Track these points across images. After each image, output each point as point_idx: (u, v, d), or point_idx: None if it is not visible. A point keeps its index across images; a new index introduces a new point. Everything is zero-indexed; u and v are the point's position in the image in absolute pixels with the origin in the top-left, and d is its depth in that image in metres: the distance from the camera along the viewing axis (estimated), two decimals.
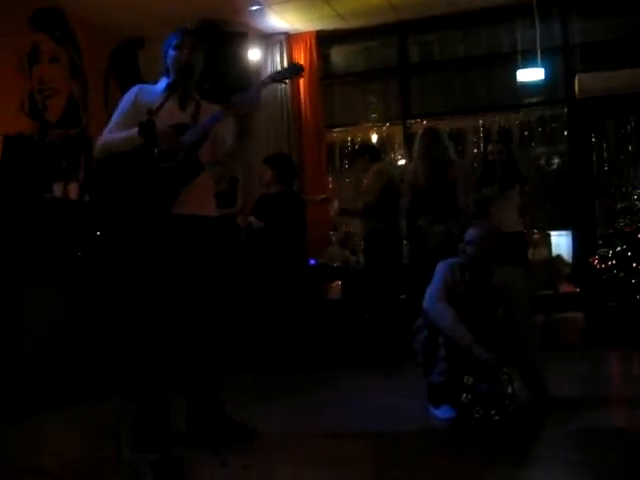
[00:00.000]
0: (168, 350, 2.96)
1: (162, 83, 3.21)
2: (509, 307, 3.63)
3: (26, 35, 6.02)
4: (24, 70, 5.96)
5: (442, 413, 3.56)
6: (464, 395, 3.33)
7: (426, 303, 3.63)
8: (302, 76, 3.40)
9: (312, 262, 6.19)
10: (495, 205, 5.57)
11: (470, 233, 3.69)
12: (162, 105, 3.02)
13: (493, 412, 3.28)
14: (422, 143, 5.47)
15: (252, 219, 5.58)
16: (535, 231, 6.94)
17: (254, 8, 6.58)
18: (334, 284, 6.76)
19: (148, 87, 3.26)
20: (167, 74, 3.21)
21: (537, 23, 6.77)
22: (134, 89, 3.21)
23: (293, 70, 3.22)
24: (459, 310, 3.50)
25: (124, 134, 3.00)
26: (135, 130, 2.81)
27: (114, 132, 3.09)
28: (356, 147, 7.52)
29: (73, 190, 5.13)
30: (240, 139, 3.18)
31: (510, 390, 3.32)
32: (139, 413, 3.06)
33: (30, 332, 4.13)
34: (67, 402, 4.12)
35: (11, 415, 3.76)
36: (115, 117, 3.16)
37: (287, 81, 3.32)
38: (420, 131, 5.79)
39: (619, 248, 6.10)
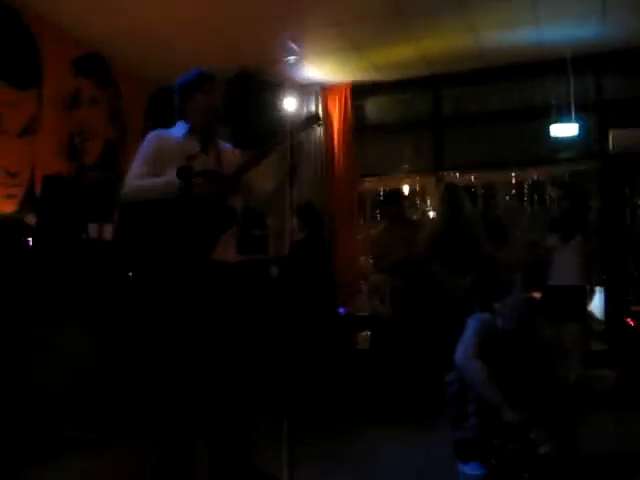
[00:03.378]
0: (195, 397, 2.94)
1: (181, 127, 3.16)
2: (557, 364, 3.58)
3: (69, 79, 6.18)
4: (65, 113, 6.10)
5: (470, 469, 3.49)
6: (492, 460, 3.26)
7: (457, 358, 3.59)
8: (319, 125, 3.39)
9: (341, 311, 6.16)
10: (557, 256, 5.23)
11: (506, 299, 3.66)
12: (191, 152, 3.01)
13: (525, 474, 3.21)
14: (442, 198, 5.59)
15: (274, 269, 5.62)
16: None
17: (290, 59, 6.70)
18: (363, 333, 6.71)
19: (166, 132, 3.19)
20: (183, 117, 3.17)
21: (571, 78, 6.82)
22: (153, 135, 3.15)
23: (312, 120, 3.23)
24: (490, 366, 3.46)
25: (159, 180, 2.96)
26: (172, 177, 2.83)
27: (143, 178, 3.01)
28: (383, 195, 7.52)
29: (108, 231, 5.21)
30: (279, 190, 3.16)
31: (542, 450, 3.25)
32: (162, 460, 3.01)
33: (60, 372, 4.14)
34: (92, 445, 4.11)
35: (36, 456, 3.76)
36: (138, 163, 3.07)
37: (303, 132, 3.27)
38: (441, 186, 5.86)
39: None
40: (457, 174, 7.46)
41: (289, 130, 3.08)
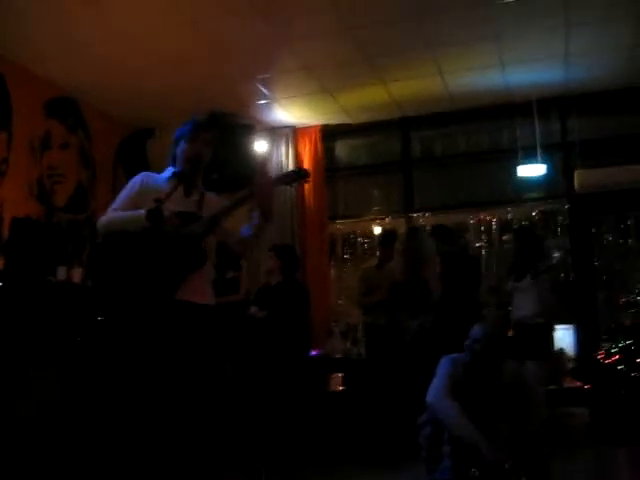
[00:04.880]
0: (164, 444, 2.89)
1: (168, 172, 3.22)
2: (523, 402, 3.57)
3: (39, 121, 6.17)
4: (35, 155, 6.08)
5: None
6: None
7: (430, 398, 3.57)
8: (307, 182, 3.42)
9: (314, 353, 6.13)
10: (515, 296, 5.49)
11: (476, 330, 3.65)
12: (169, 193, 3.04)
13: None
14: (402, 241, 5.88)
15: (254, 309, 5.58)
16: None
17: (262, 102, 6.77)
18: (335, 376, 6.67)
19: (153, 175, 3.25)
20: (174, 163, 3.24)
21: (536, 120, 6.98)
22: (139, 176, 3.21)
23: (300, 175, 3.27)
24: (464, 405, 3.44)
25: (130, 213, 3.02)
26: (142, 212, 2.86)
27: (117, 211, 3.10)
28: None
29: (76, 274, 5.14)
30: (260, 231, 3.16)
31: None
32: None
33: (23, 415, 4.05)
34: None
35: None
36: (119, 200, 3.15)
37: (293, 185, 3.35)
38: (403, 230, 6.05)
39: (622, 343, 6.05)
40: (426, 215, 7.53)
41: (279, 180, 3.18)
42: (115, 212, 3.10)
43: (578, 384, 6.50)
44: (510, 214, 7.62)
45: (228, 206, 3.11)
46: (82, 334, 4.61)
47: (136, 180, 3.20)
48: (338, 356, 6.66)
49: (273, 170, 7.10)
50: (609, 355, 6.07)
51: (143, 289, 2.91)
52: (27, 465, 4.01)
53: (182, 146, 3.18)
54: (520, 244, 5.67)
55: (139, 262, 2.96)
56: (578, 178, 6.92)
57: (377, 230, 7.84)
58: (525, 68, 6.41)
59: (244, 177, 5.60)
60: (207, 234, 3.07)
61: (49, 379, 4.24)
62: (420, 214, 7.61)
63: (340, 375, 6.63)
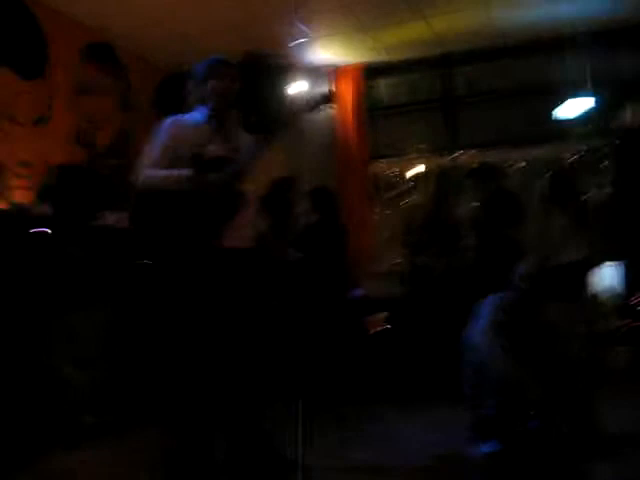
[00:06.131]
0: (211, 382, 2.95)
1: (199, 114, 3.17)
2: (561, 343, 3.56)
3: (78, 68, 6.18)
4: (75, 101, 6.11)
5: (489, 447, 3.48)
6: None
7: (475, 337, 3.57)
8: (331, 106, 3.36)
9: (357, 293, 6.14)
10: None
11: (522, 268, 3.62)
12: (206, 139, 3.01)
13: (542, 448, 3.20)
14: (432, 182, 5.80)
15: (291, 251, 5.58)
16: None
17: (299, 41, 6.65)
18: (380, 316, 6.69)
19: (184, 119, 3.19)
20: (202, 103, 3.18)
21: (585, 55, 6.75)
22: (170, 121, 3.16)
23: (321, 100, 3.22)
24: (508, 345, 3.44)
25: (172, 175, 2.97)
26: (184, 172, 2.84)
27: (156, 168, 3.04)
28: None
29: (122, 219, 5.22)
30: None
31: (561, 426, 3.24)
32: (180, 447, 3.00)
33: (75, 355, 4.18)
34: (110, 431, 4.14)
35: (55, 443, 3.79)
36: (154, 151, 3.09)
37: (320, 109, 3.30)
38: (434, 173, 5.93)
39: None
40: (471, 152, 7.38)
41: (298, 108, 3.10)
42: (153, 171, 3.03)
43: (625, 322, 6.43)
44: (557, 152, 7.42)
45: (260, 146, 3.07)
46: (129, 276, 4.71)
47: (166, 127, 3.13)
48: (381, 297, 6.66)
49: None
50: None
51: (187, 237, 2.92)
52: (83, 404, 4.16)
53: (213, 85, 3.13)
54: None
55: (182, 212, 2.95)
56: (628, 114, 6.70)
57: (419, 169, 7.74)
58: (570, 1, 6.13)
59: (282, 119, 5.55)
60: (242, 178, 3.06)
61: (97, 324, 4.36)
62: (462, 153, 7.46)
63: (383, 315, 6.66)
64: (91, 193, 5.12)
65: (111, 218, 5.06)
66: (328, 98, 3.22)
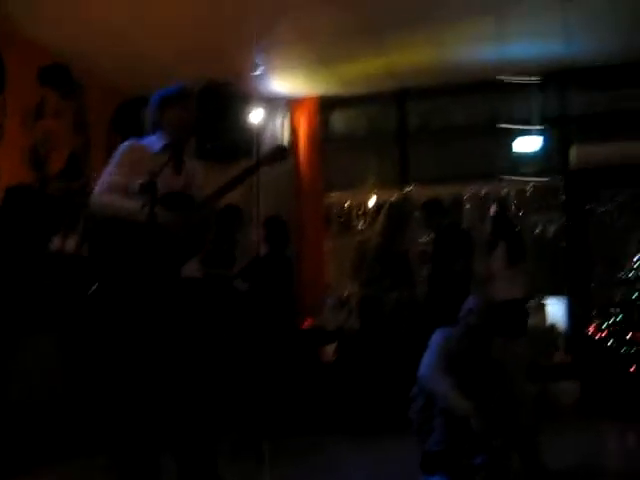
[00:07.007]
0: (159, 411, 2.91)
1: (156, 141, 3.13)
2: (506, 378, 3.61)
3: (34, 89, 6.10)
4: (29, 123, 6.02)
5: None
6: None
7: (422, 371, 3.60)
8: (285, 159, 3.30)
9: (305, 325, 6.17)
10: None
11: (470, 302, 3.68)
12: (159, 171, 2.94)
13: None
14: (383, 215, 5.87)
15: (238, 281, 5.59)
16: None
17: (257, 72, 6.70)
18: (329, 348, 6.69)
19: (141, 144, 3.14)
20: (158, 129, 3.14)
21: (534, 95, 6.97)
22: (127, 145, 3.11)
23: (277, 154, 3.21)
24: (456, 379, 3.48)
25: (125, 206, 2.91)
26: (137, 206, 2.75)
27: (111, 192, 2.99)
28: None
29: (71, 243, 5.13)
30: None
31: (506, 462, 3.28)
32: (125, 475, 2.96)
33: (23, 383, 4.08)
34: (56, 458, 4.04)
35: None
36: (109, 172, 3.05)
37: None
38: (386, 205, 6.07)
39: (614, 318, 6.09)
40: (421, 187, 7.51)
41: (256, 162, 3.10)
42: (108, 197, 2.98)
43: (569, 359, 6.56)
44: (505, 189, 7.60)
45: (223, 188, 3.05)
46: (78, 302, 4.62)
47: (123, 149, 3.09)
48: (331, 329, 6.67)
49: (268, 142, 7.07)
50: (600, 330, 6.11)
51: (141, 267, 2.86)
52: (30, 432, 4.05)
53: (176, 114, 3.12)
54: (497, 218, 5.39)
55: (136, 245, 2.88)
56: (575, 153, 6.90)
57: (371, 202, 7.83)
58: (524, 41, 6.33)
59: (238, 147, 5.57)
60: (202, 220, 3.03)
61: (46, 348, 4.27)
62: (413, 187, 7.57)
63: (333, 347, 6.67)
64: (41, 216, 5.02)
65: (70, 243, 4.97)
66: (284, 152, 3.21)
